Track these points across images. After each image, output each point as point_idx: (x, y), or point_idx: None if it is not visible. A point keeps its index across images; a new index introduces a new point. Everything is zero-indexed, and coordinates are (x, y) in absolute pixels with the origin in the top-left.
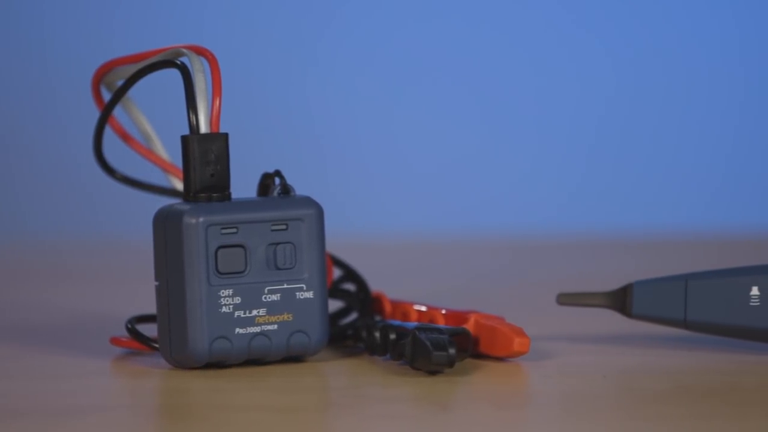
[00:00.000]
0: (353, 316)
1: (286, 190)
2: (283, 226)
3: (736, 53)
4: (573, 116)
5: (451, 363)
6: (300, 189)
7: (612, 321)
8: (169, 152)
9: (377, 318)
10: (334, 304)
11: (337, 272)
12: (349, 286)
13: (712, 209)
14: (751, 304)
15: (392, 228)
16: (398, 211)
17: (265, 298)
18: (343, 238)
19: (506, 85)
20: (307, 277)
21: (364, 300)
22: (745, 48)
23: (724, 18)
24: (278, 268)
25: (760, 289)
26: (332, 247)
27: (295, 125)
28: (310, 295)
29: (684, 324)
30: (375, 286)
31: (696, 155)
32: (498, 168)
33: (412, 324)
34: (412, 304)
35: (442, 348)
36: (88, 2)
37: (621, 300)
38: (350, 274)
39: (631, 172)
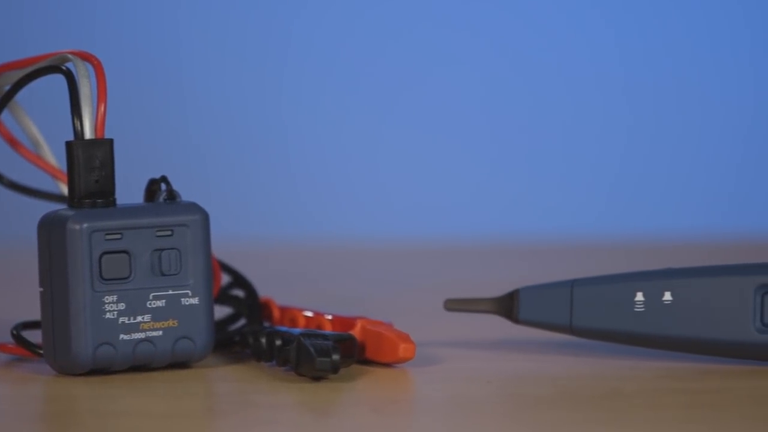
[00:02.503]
0: (241, 322)
1: (172, 195)
2: (168, 232)
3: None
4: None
5: (334, 369)
6: (188, 195)
7: (499, 327)
8: (57, 158)
9: (266, 324)
10: (223, 310)
11: (226, 278)
12: (238, 292)
13: (600, 215)
14: (636, 309)
15: (285, 234)
16: (291, 217)
17: (150, 304)
18: (233, 244)
19: (406, 82)
20: (193, 283)
21: (252, 306)
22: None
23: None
24: (163, 274)
25: (644, 295)
26: (222, 252)
27: (188, 130)
28: (195, 301)
29: (570, 329)
30: (267, 292)
31: (585, 161)
32: (388, 173)
33: (298, 330)
34: (301, 310)
35: (325, 354)
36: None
37: (507, 306)
38: (239, 280)
39: (520, 179)
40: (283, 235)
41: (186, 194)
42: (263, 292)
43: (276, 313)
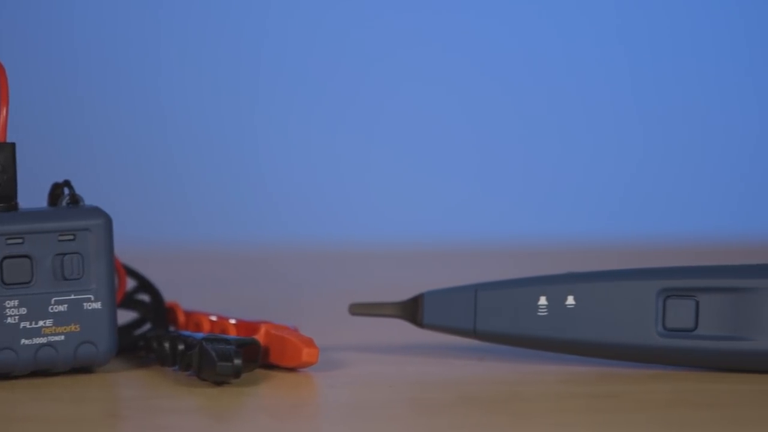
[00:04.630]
0: (147, 326)
1: (75, 200)
2: (71, 237)
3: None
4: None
5: (236, 373)
6: (92, 199)
7: (404, 331)
8: None
9: (171, 328)
10: (129, 315)
11: (131, 283)
12: (144, 297)
13: (502, 219)
14: (539, 313)
15: (196, 238)
16: (202, 221)
17: (52, 308)
18: (141, 248)
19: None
20: (95, 287)
21: (157, 310)
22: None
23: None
24: (65, 279)
25: (547, 299)
26: (129, 257)
27: (91, 134)
28: (97, 305)
29: (474, 334)
30: (175, 296)
31: (493, 163)
32: (299, 175)
33: (201, 334)
34: (206, 314)
35: (227, 358)
36: None
37: (412, 310)
38: (144, 285)
39: (424, 184)
40: (193, 239)
41: (90, 198)
42: (172, 296)
43: (181, 318)
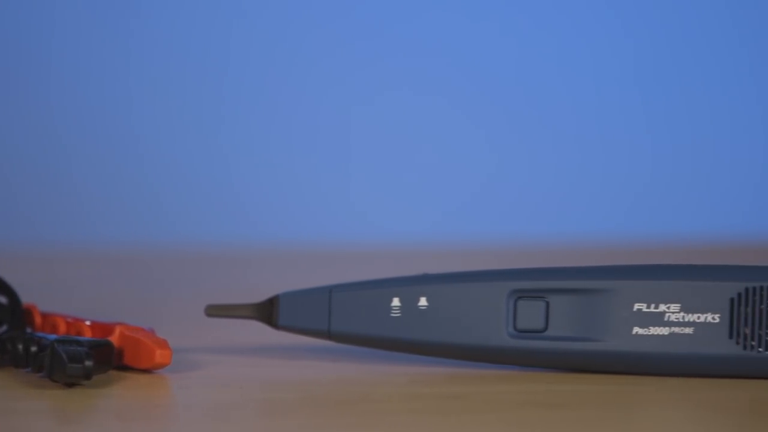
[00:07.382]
0: (3, 328)
1: None
2: None
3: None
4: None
5: (87, 375)
6: None
7: (261, 332)
8: None
9: (28, 330)
10: None
11: None
12: (1, 299)
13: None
14: (392, 315)
15: (57, 239)
16: (62, 222)
17: None
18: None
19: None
20: None
21: (14, 311)
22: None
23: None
24: None
25: (401, 301)
26: None
27: None
28: None
29: (328, 335)
30: (33, 298)
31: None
32: (163, 178)
33: (55, 336)
34: (63, 316)
35: (78, 360)
36: None
37: (267, 311)
38: (0, 286)
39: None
40: (53, 240)
41: None
42: (32, 298)
43: (38, 319)
